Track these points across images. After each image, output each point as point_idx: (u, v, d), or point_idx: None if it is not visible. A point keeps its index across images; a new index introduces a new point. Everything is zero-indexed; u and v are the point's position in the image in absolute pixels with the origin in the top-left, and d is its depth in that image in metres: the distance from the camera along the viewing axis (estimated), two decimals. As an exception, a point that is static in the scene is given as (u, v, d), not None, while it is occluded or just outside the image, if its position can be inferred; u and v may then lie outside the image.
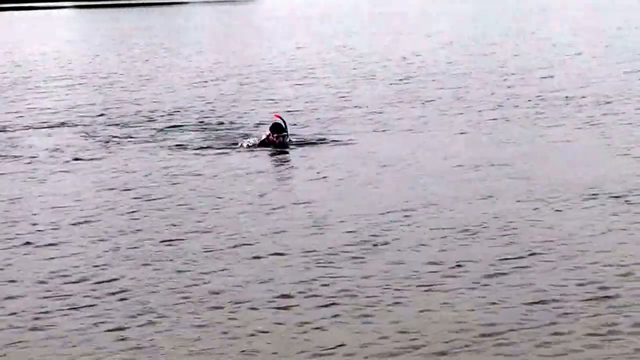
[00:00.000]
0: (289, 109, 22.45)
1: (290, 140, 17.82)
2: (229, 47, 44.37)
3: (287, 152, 17.22)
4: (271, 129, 17.75)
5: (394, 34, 48.39)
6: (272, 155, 17.10)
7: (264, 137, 17.80)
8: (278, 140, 17.57)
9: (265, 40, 48.60)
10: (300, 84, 28.10)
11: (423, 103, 22.90)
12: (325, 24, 62.18)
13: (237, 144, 18.03)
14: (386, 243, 11.29)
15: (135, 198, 14.18)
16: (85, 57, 41.90)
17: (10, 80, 32.21)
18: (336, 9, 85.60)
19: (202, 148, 17.89)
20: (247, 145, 17.72)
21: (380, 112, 21.67)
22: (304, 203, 13.39)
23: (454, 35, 45.24)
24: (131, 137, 19.54)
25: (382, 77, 28.97)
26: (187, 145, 18.33)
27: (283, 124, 17.87)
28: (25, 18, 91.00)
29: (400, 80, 27.87)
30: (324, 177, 15.03)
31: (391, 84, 27.04)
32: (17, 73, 34.73)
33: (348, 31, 52.96)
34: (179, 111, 22.95)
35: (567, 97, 22.74)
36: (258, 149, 17.49)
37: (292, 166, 16.35)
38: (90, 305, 9.50)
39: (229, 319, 9.05)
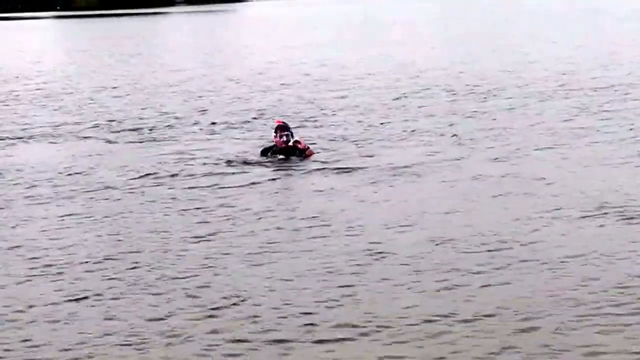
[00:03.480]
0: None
1: (305, 146, 17.51)
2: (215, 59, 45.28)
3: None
4: (275, 131, 17.63)
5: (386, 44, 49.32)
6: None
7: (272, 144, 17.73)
8: (281, 139, 17.40)
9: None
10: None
11: (424, 115, 23.39)
12: (305, 32, 62.88)
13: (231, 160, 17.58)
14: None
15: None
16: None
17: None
18: (314, 17, 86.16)
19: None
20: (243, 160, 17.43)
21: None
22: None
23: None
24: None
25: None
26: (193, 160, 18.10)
27: (286, 126, 17.67)
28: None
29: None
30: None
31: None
32: None
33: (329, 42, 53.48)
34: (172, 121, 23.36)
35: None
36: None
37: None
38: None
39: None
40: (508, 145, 18.02)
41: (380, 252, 11.38)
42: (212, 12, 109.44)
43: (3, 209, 14.50)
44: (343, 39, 52.17)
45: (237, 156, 17.89)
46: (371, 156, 17.47)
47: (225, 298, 9.95)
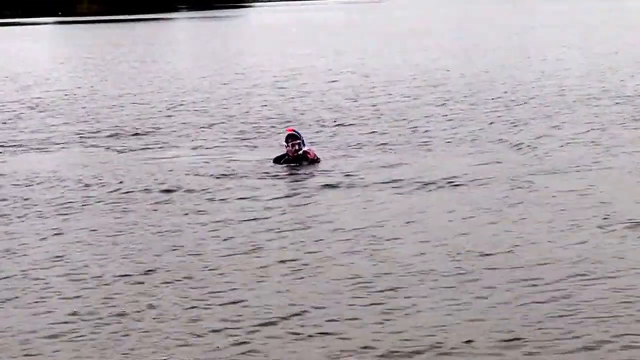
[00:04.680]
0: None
1: (314, 156, 17.49)
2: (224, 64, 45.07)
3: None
4: (286, 140, 17.67)
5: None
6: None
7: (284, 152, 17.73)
8: (293, 148, 17.42)
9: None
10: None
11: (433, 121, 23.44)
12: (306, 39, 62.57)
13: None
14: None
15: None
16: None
17: None
18: (315, 25, 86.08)
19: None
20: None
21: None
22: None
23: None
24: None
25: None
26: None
27: (297, 135, 17.73)
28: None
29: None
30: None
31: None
32: None
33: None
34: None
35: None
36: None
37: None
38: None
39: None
40: (550, 155, 17.70)
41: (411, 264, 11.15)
42: (216, 18, 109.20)
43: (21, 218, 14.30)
44: (363, 46, 51.76)
45: (253, 164, 17.84)
46: (406, 164, 17.34)
47: (269, 313, 9.77)
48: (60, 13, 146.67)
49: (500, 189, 15.09)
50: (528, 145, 18.74)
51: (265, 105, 27.26)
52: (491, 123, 22.14)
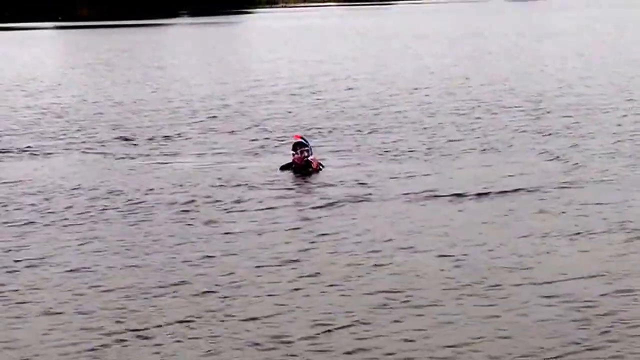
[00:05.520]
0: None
1: (317, 166, 17.37)
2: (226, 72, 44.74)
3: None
4: (293, 148, 17.61)
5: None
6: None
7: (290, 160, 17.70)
8: (302, 155, 17.34)
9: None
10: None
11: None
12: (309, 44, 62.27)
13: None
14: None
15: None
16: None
17: None
18: (319, 29, 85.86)
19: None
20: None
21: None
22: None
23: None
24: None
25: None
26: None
27: (305, 142, 17.63)
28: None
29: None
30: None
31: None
32: None
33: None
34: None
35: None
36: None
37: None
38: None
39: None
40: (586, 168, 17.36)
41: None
42: (218, 24, 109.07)
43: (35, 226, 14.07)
44: (378, 52, 51.55)
45: (263, 172, 17.71)
46: (432, 173, 17.17)
47: (301, 328, 9.57)
48: (60, 18, 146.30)
49: (528, 200, 14.90)
50: (557, 156, 18.51)
51: (290, 112, 26.99)
52: (516, 132, 21.88)
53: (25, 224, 14.42)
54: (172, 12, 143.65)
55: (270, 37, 73.61)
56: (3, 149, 21.77)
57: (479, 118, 24.33)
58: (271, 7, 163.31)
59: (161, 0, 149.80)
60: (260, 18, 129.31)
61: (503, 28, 73.71)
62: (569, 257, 11.78)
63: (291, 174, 17.32)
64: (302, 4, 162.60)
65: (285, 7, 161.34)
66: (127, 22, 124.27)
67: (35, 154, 21.08)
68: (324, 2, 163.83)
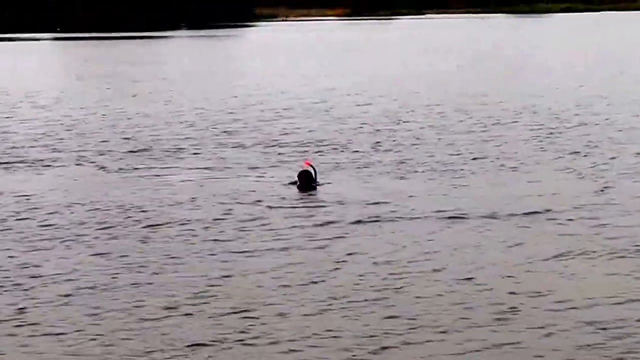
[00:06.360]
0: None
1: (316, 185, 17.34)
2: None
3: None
4: (298, 177, 17.62)
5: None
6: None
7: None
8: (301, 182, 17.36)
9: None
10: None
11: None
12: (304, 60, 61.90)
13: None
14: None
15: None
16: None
17: None
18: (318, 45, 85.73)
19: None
20: None
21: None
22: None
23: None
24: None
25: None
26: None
27: (313, 172, 17.56)
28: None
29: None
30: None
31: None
32: None
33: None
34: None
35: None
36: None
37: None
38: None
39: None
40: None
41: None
42: (219, 37, 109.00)
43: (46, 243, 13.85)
44: (381, 66, 50.97)
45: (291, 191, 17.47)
46: (455, 192, 16.92)
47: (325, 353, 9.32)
48: (59, 29, 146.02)
49: (548, 220, 14.66)
50: (579, 175, 18.37)
51: (301, 128, 26.63)
52: (535, 149, 21.64)
53: (38, 240, 14.15)
54: (173, 24, 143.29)
55: (275, 51, 73.15)
56: (15, 161, 21.57)
57: (498, 135, 24.07)
58: (272, 20, 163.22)
59: (161, 13, 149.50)
60: (262, 31, 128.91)
61: (513, 42, 73.31)
62: (591, 279, 11.65)
63: (311, 192, 17.20)
64: (303, 18, 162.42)
65: (285, 20, 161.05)
66: (126, 33, 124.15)
67: (47, 166, 20.92)
68: (325, 15, 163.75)
